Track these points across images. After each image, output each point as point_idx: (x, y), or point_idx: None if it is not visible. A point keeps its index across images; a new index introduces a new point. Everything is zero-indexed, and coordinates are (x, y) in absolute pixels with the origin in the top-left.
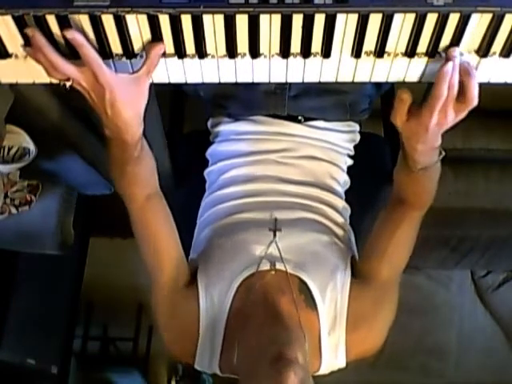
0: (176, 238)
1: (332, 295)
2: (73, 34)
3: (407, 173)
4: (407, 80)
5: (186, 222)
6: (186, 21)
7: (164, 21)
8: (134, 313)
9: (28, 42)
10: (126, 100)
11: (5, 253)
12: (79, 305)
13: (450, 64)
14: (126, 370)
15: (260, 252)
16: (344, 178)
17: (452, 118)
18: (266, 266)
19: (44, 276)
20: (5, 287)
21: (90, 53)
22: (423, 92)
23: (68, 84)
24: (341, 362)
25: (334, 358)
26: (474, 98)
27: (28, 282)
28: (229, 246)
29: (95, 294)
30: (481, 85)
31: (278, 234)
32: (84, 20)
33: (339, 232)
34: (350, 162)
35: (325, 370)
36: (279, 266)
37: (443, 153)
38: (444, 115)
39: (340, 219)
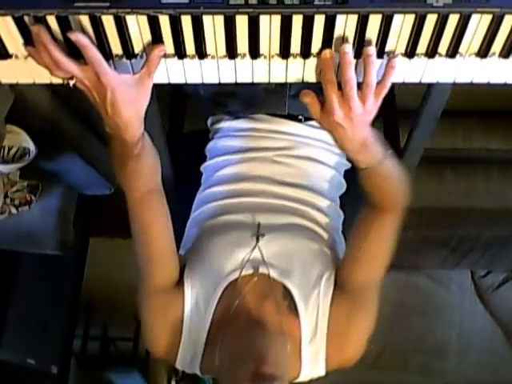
0: (170, 236)
1: (315, 303)
2: (76, 36)
3: (359, 173)
4: (407, 80)
5: (183, 218)
6: (186, 22)
7: (164, 22)
8: (134, 313)
9: (30, 42)
10: (127, 100)
11: (5, 253)
12: (79, 305)
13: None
14: (126, 370)
15: (244, 256)
16: (340, 181)
17: (359, 108)
18: (249, 271)
19: (44, 276)
20: (5, 287)
21: (94, 54)
22: (423, 93)
23: (72, 82)
24: (321, 371)
25: (314, 366)
26: (371, 82)
27: (28, 282)
28: (214, 249)
29: (95, 294)
30: (481, 85)
31: (262, 238)
32: (84, 21)
33: (328, 239)
34: (348, 165)
35: (304, 377)
36: (262, 270)
37: (389, 151)
38: (347, 106)
39: (330, 225)
